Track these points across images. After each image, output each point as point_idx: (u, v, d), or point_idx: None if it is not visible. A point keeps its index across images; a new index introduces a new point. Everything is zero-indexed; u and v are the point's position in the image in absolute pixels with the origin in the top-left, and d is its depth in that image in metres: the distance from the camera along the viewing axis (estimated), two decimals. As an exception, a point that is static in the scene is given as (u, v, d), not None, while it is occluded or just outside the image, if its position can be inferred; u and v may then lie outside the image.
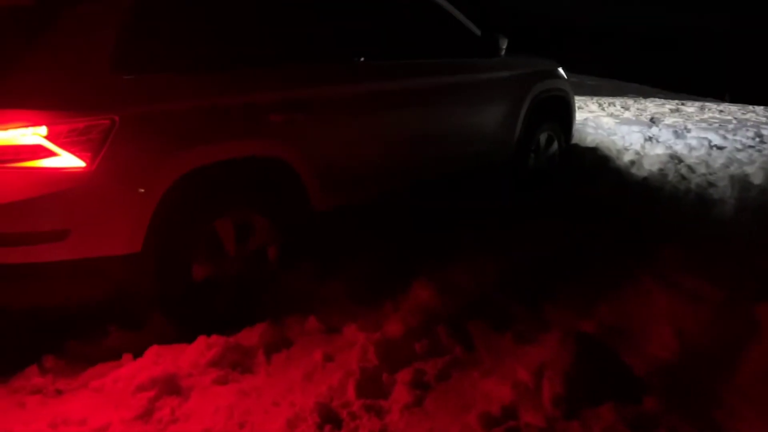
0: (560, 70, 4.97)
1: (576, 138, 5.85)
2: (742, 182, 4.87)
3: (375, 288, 3.14)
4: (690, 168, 5.38)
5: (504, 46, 4.20)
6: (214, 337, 2.70)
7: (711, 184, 4.94)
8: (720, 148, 6.15)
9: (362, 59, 3.54)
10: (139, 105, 2.70)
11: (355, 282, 3.21)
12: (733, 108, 9.65)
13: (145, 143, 2.70)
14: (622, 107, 9.12)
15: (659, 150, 5.89)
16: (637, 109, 9.01)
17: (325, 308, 3.01)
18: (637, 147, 5.99)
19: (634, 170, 5.33)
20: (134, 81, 2.72)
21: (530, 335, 2.80)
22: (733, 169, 5.34)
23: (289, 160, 3.16)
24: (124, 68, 2.70)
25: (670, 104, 9.87)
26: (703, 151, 5.97)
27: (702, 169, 5.37)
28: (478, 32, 4.23)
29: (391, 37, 3.77)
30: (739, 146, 6.27)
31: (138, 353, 2.69)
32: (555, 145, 4.96)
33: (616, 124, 7.13)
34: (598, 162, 5.41)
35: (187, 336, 2.78)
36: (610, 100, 10.24)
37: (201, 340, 2.69)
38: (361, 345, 2.66)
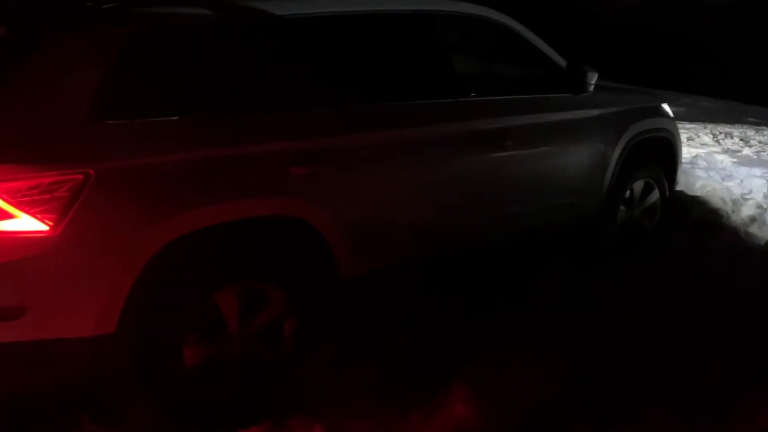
0: (664, 106, 4.16)
1: (682, 183, 4.95)
2: None
3: (403, 389, 2.51)
4: (829, 230, 4.36)
5: (593, 81, 3.47)
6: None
7: None
8: None
9: (410, 99, 2.93)
10: (121, 157, 2.22)
11: (381, 378, 2.58)
12: None
13: (127, 203, 2.21)
14: (742, 140, 7.97)
15: (789, 202, 4.88)
16: (760, 143, 7.83)
17: (338, 412, 2.41)
18: (759, 197, 4.99)
19: (753, 230, 4.38)
20: (116, 127, 2.24)
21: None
22: None
23: (312, 221, 2.59)
24: (106, 112, 2.23)
25: (800, 137, 8.58)
26: None
27: None
28: (562, 63, 3.51)
29: (450, 71, 3.13)
30: None
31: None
32: (655, 196, 4.14)
33: (733, 165, 6.10)
34: (706, 217, 4.48)
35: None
36: (727, 129, 9.04)
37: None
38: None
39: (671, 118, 4.22)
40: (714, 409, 2.42)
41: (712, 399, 2.48)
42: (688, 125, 9.24)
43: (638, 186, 4.05)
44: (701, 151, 6.84)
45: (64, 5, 2.58)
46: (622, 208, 3.97)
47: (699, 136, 8.10)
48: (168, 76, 2.40)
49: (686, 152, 6.53)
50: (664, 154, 4.18)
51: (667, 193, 4.24)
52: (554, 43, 3.58)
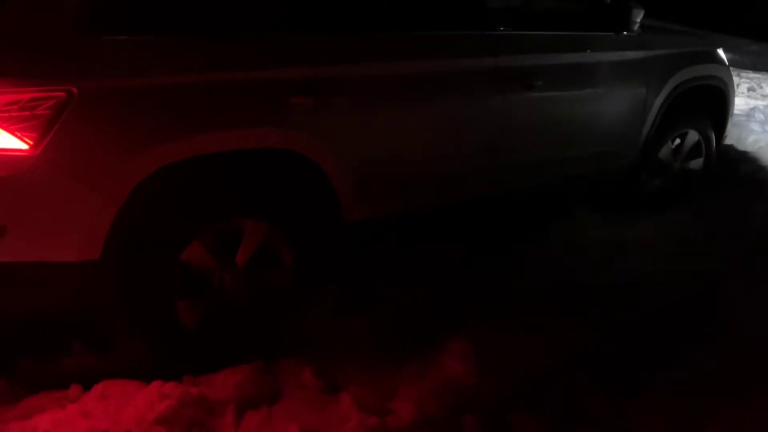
0: (719, 52, 3.80)
1: (733, 136, 4.60)
2: None
3: (403, 337, 2.40)
4: None
5: (638, 19, 3.15)
6: (171, 385, 2.12)
7: None
8: None
9: (431, 28, 2.70)
10: (108, 75, 2.08)
11: (381, 324, 2.48)
12: None
13: (112, 124, 2.09)
14: (808, 93, 7.40)
15: None
16: (828, 96, 7.26)
17: (331, 357, 2.32)
18: (817, 156, 4.61)
19: (807, 192, 4.04)
20: (104, 44, 2.09)
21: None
22: None
23: (314, 157, 2.44)
24: (93, 26, 2.08)
25: None
26: None
27: None
28: (606, -2, 3.19)
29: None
30: None
31: (93, 383, 2.17)
32: (699, 150, 3.83)
33: (794, 120, 5.64)
34: (755, 176, 4.15)
35: (158, 365, 2.25)
36: (794, 80, 8.42)
37: (154, 387, 2.12)
38: (351, 429, 1.96)
39: (726, 65, 3.86)
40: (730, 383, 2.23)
41: (730, 371, 2.29)
42: (752, 74, 8.62)
43: (681, 138, 3.75)
44: (761, 103, 6.36)
45: None
46: (662, 160, 3.69)
47: (762, 87, 7.55)
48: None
49: (744, 103, 6.08)
50: (714, 105, 3.84)
51: (714, 148, 3.92)
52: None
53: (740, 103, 5.90)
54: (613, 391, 2.20)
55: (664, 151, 3.69)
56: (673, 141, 3.72)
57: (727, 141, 4.34)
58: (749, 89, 7.31)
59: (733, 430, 1.92)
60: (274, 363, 2.32)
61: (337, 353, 2.35)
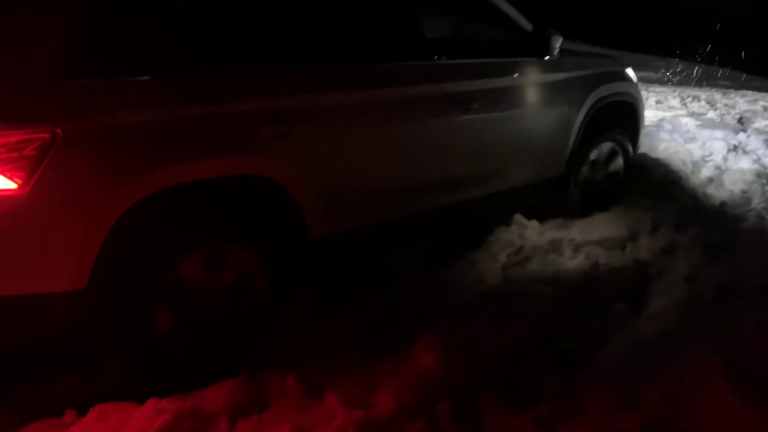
0: (628, 71, 4.25)
1: (646, 145, 5.08)
2: None
3: (375, 340, 2.64)
4: (782, 190, 4.54)
5: (558, 45, 3.54)
6: (166, 401, 2.27)
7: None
8: (821, 163, 5.24)
9: (382, 60, 2.98)
10: (89, 115, 2.24)
11: (353, 330, 2.71)
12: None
13: (95, 161, 2.25)
14: (708, 103, 8.12)
15: (745, 164, 5.04)
16: (725, 105, 7.99)
17: (312, 363, 2.53)
18: (719, 159, 5.15)
19: (711, 191, 4.54)
20: (84, 86, 2.26)
21: (555, 422, 2.23)
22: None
23: (281, 181, 2.65)
24: (74, 70, 2.24)
25: (765, 100, 8.75)
26: (799, 167, 5.08)
27: (797, 193, 4.52)
28: (528, 27, 3.57)
29: (419, 33, 3.17)
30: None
31: (85, 408, 2.30)
32: (617, 159, 4.25)
33: (696, 127, 6.24)
34: (666, 178, 4.63)
35: (147, 388, 2.37)
36: (696, 92, 9.19)
37: (150, 404, 2.26)
38: (339, 424, 2.18)
39: (635, 82, 4.31)
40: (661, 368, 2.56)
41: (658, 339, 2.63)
42: (658, 88, 9.38)
43: (601, 149, 4.16)
44: (668, 114, 6.98)
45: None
46: (586, 170, 4.09)
47: (667, 99, 8.24)
48: (136, 34, 2.40)
49: (653, 115, 6.66)
50: (627, 118, 4.28)
51: (630, 156, 4.35)
52: (521, 6, 3.63)
53: (650, 115, 6.48)
54: (564, 370, 2.49)
55: (588, 161, 4.09)
56: (595, 152, 4.12)
57: (641, 149, 4.81)
58: (657, 102, 7.96)
59: (668, 390, 2.23)
60: (258, 374, 2.48)
61: (316, 359, 2.54)
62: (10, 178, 2.12)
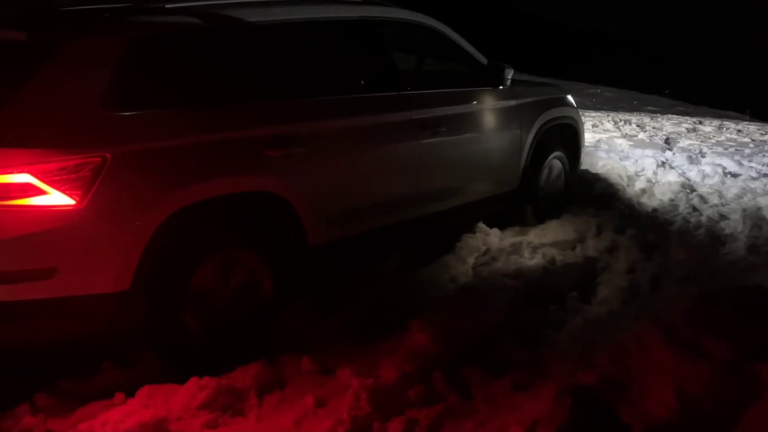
0: (569, 97, 4.90)
1: (587, 163, 5.75)
2: (754, 217, 4.73)
3: (372, 328, 3.09)
4: (702, 198, 5.25)
5: (509, 76, 4.13)
6: (206, 379, 2.66)
7: (723, 217, 4.81)
8: (735, 175, 6.02)
9: (363, 92, 3.50)
10: (132, 142, 2.67)
11: (352, 321, 3.15)
12: (752, 128, 9.48)
13: (138, 180, 2.67)
14: (638, 126, 8.98)
15: (672, 177, 5.76)
16: (653, 128, 8.87)
17: (321, 348, 2.96)
18: (650, 173, 5.87)
19: (644, 200, 5.22)
20: (127, 118, 2.69)
21: (527, 384, 2.72)
22: (746, 201, 5.20)
23: (286, 196, 3.11)
24: (117, 105, 2.67)
25: (688, 123, 9.70)
26: (716, 179, 5.84)
27: (714, 200, 5.24)
28: (484, 61, 4.16)
29: (392, 68, 3.71)
30: (754, 174, 6.14)
31: (131, 391, 2.66)
32: (563, 175, 4.88)
33: (629, 147, 7.01)
34: (606, 191, 5.29)
35: (181, 374, 2.74)
36: (627, 116, 10.09)
37: (193, 382, 2.64)
38: (353, 391, 2.60)
39: (575, 107, 4.97)
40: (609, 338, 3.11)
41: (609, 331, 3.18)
42: (593, 113, 10.25)
43: (549, 166, 4.75)
44: (604, 136, 7.75)
45: (63, 9, 2.98)
46: (537, 184, 4.66)
47: (602, 123, 9.06)
48: (167, 73, 2.85)
49: (591, 137, 7.41)
50: (570, 139, 4.91)
51: (574, 172, 4.98)
52: (480, 41, 4.23)
53: (588, 137, 7.20)
54: (530, 346, 3.00)
55: (538, 177, 4.66)
56: (543, 169, 4.70)
57: (583, 167, 5.47)
58: (593, 126, 8.76)
59: (616, 353, 2.76)
60: (274, 359, 2.90)
61: (323, 345, 2.99)
62: (70, 195, 2.52)
